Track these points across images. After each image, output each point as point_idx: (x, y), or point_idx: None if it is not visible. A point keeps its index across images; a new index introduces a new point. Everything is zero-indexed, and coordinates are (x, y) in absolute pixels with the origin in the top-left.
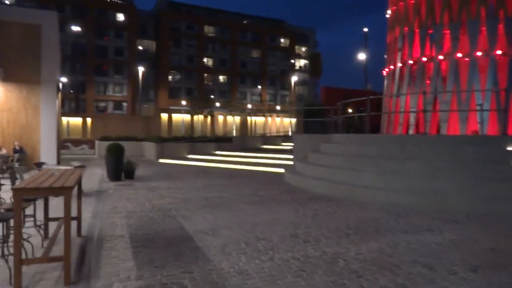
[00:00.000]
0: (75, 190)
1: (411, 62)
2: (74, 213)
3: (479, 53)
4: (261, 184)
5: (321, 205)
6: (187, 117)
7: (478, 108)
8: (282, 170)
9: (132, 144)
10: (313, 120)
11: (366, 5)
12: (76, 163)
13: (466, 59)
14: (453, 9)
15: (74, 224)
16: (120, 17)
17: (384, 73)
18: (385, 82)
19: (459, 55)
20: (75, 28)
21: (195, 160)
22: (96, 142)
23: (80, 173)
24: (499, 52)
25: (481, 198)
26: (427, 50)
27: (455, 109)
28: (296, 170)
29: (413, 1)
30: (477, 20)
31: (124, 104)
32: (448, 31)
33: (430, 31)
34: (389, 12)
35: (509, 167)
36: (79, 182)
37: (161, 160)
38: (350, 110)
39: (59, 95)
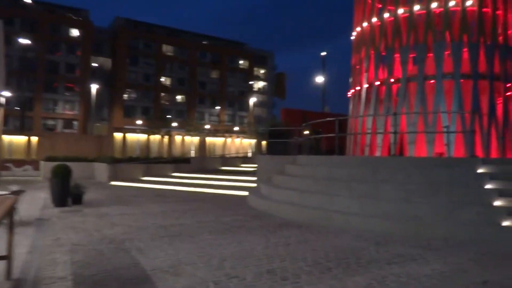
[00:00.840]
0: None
1: (377, 83)
2: (3, 250)
3: (444, 76)
4: (224, 209)
5: (292, 232)
6: (143, 137)
7: (445, 130)
8: (245, 193)
9: (81, 165)
10: (277, 141)
11: (325, 30)
12: (15, 187)
13: (432, 81)
14: (418, 31)
15: (2, 264)
16: (75, 32)
17: (349, 94)
18: (350, 104)
19: (425, 77)
20: (23, 41)
21: (151, 183)
22: (41, 162)
23: (12, 202)
24: (463, 75)
25: (458, 223)
26: (394, 71)
27: (422, 131)
28: (261, 193)
29: (379, 23)
30: (443, 43)
31: (75, 122)
32: (414, 53)
33: (396, 53)
34: (354, 34)
35: (482, 190)
36: (10, 212)
37: (113, 183)
38: (306, 132)
39: (1, 111)
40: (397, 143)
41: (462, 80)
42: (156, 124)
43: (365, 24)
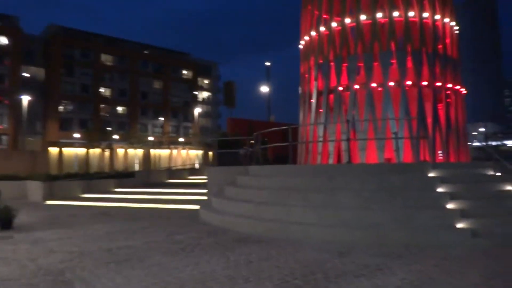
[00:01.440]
0: None
1: (327, 91)
2: None
3: (391, 83)
4: (176, 226)
5: (252, 248)
6: (81, 151)
7: (394, 136)
8: (196, 207)
9: (12, 184)
10: (227, 152)
11: (269, 41)
12: None
13: (380, 89)
14: (365, 40)
15: None
16: (2, 40)
17: (299, 103)
18: (300, 112)
19: (374, 85)
20: None
21: (93, 200)
22: None
23: None
24: (409, 82)
25: (416, 228)
26: (343, 79)
27: (373, 137)
28: (213, 207)
29: (327, 32)
30: (389, 51)
31: (4, 137)
32: (362, 62)
33: (345, 61)
34: (302, 42)
35: (436, 193)
36: None
37: (49, 202)
38: (252, 142)
39: None
40: (350, 151)
41: (407, 88)
42: (95, 137)
43: (313, 33)
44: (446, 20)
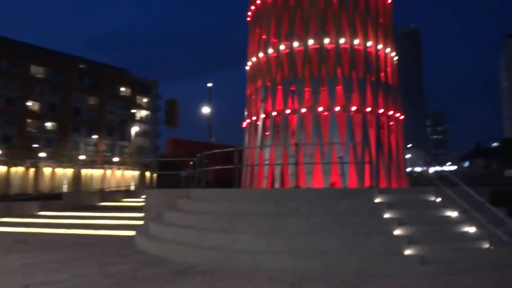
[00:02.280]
0: None
1: (274, 114)
2: None
3: (337, 108)
4: (109, 255)
5: (195, 280)
6: (1, 169)
7: (339, 160)
8: (131, 233)
9: None
10: (168, 174)
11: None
12: None
13: (326, 113)
14: (313, 65)
15: None
16: None
17: (244, 124)
18: (246, 134)
19: (320, 109)
20: None
21: (11, 225)
22: None
23: None
24: (354, 108)
25: (366, 255)
26: (290, 103)
27: (319, 162)
28: (151, 233)
29: (275, 54)
30: (334, 77)
31: None
32: (309, 86)
33: (292, 84)
34: (249, 64)
35: (382, 219)
36: None
37: None
38: (191, 163)
39: None
40: (297, 174)
41: (352, 113)
42: (19, 154)
43: (261, 54)
44: (388, 50)
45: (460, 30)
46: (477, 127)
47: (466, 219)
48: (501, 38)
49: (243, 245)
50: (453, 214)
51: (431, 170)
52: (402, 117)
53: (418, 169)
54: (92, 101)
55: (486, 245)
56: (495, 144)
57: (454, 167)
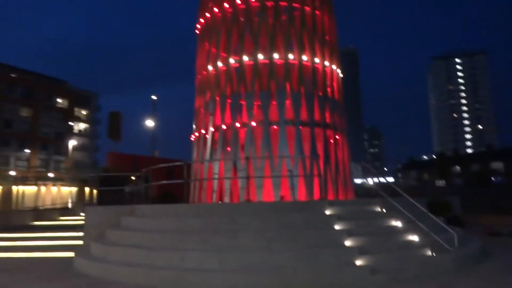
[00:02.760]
0: None
1: (224, 127)
2: None
3: (287, 122)
4: (44, 280)
5: None
6: None
7: (289, 174)
8: (70, 254)
9: None
10: (110, 190)
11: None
12: None
13: (276, 127)
14: (262, 79)
15: None
16: None
17: (193, 138)
18: (194, 148)
19: (270, 122)
20: None
21: None
22: None
23: None
24: (302, 122)
25: (319, 268)
26: (240, 116)
27: (269, 175)
28: (92, 254)
29: (224, 68)
30: (283, 92)
31: None
32: (259, 100)
33: (242, 98)
34: (198, 76)
35: (333, 231)
36: None
37: None
38: (133, 178)
39: None
40: (248, 188)
41: (301, 127)
42: None
43: (210, 68)
44: (334, 66)
45: (395, 50)
46: (409, 141)
47: (410, 228)
48: (429, 60)
49: (194, 263)
50: (398, 224)
51: (371, 181)
52: (347, 131)
53: (358, 180)
54: (25, 112)
55: (429, 253)
56: (425, 157)
57: (390, 179)
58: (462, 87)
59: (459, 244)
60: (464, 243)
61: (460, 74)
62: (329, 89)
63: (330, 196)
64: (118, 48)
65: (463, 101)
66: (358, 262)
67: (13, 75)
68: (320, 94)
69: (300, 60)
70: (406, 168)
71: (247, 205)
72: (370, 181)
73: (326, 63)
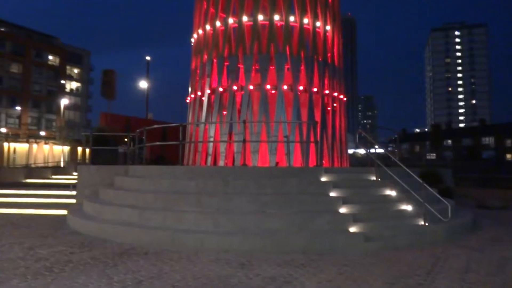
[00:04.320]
0: None
1: (220, 90)
2: None
3: (285, 87)
4: (37, 237)
5: (138, 263)
6: None
7: (285, 139)
8: (62, 212)
9: None
10: (104, 149)
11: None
12: None
13: (274, 91)
14: (262, 42)
15: None
16: None
17: (188, 100)
18: (189, 110)
19: (268, 86)
20: None
21: None
22: None
23: None
24: (301, 87)
25: (314, 234)
26: (237, 79)
27: (265, 140)
28: (85, 212)
29: (223, 28)
30: (284, 55)
31: None
32: (258, 63)
33: (240, 61)
34: (194, 36)
35: (328, 198)
36: None
37: None
38: (126, 140)
39: None
40: (243, 152)
41: (299, 93)
42: None
43: (207, 27)
44: (335, 32)
45: (394, 19)
46: (403, 114)
47: (404, 197)
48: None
49: (188, 225)
50: (393, 193)
51: (362, 151)
52: (345, 99)
53: (350, 150)
54: (14, 68)
55: (422, 222)
56: (417, 130)
57: (381, 150)
58: (459, 61)
59: (451, 215)
60: (456, 214)
61: (458, 47)
62: (329, 55)
63: (326, 164)
64: (111, 5)
65: (459, 74)
66: (352, 229)
67: (2, 29)
68: (320, 59)
69: (301, 23)
70: (399, 140)
71: (242, 169)
72: (361, 150)
73: (328, 27)
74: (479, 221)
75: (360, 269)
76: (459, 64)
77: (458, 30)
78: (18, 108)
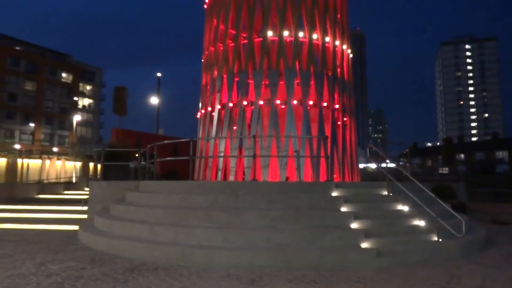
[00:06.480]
0: None
1: (230, 105)
2: None
3: (295, 102)
4: (49, 252)
5: (148, 279)
6: None
7: (295, 154)
8: (74, 227)
9: None
10: (115, 165)
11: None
12: None
13: (283, 106)
14: (271, 57)
15: None
16: None
17: (199, 115)
18: (200, 125)
19: (278, 101)
20: None
21: None
22: None
23: None
24: (310, 102)
25: (324, 250)
26: (247, 95)
27: (276, 155)
28: (96, 228)
29: (232, 44)
30: (293, 70)
31: None
32: (267, 78)
33: (250, 77)
34: (205, 52)
35: (339, 213)
36: None
37: None
38: (137, 155)
39: None
40: (253, 167)
41: (309, 107)
42: None
43: (218, 44)
44: (344, 46)
45: (403, 33)
46: (414, 128)
47: (417, 212)
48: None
49: (198, 240)
50: (405, 208)
51: (373, 165)
52: (355, 113)
53: (361, 165)
54: (29, 86)
55: (435, 238)
56: (429, 144)
57: (393, 164)
58: (470, 74)
59: (465, 230)
60: (470, 230)
61: (468, 60)
62: (338, 69)
63: (337, 179)
64: (123, 23)
65: (470, 88)
66: (364, 245)
67: (17, 48)
68: (330, 74)
69: (311, 39)
70: (411, 154)
71: (252, 184)
72: (373, 165)
73: (337, 42)
74: (493, 237)
75: (372, 285)
76: (470, 78)
77: (468, 44)
78: (31, 124)
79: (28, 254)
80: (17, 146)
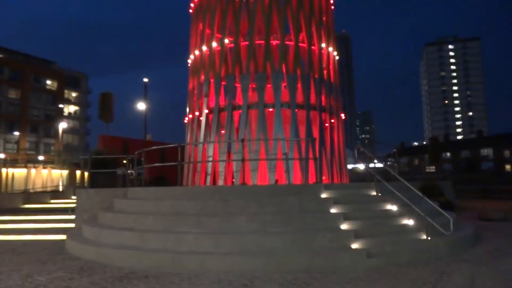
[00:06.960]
0: None
1: (218, 109)
2: None
3: (282, 105)
4: (36, 263)
5: (138, 287)
6: None
7: (284, 157)
8: (61, 237)
9: None
10: (102, 172)
11: (148, 58)
12: None
13: (271, 109)
14: (258, 61)
15: None
16: None
17: (186, 120)
18: (188, 130)
19: (265, 105)
20: None
21: None
22: None
23: None
24: (298, 105)
25: (315, 252)
26: (235, 98)
27: (264, 158)
28: (84, 237)
29: (219, 48)
30: (280, 73)
31: None
32: (254, 82)
33: (237, 80)
34: (191, 57)
35: (329, 215)
36: None
37: None
38: (124, 162)
39: None
40: (242, 171)
41: (297, 110)
42: None
43: (204, 48)
44: (330, 49)
45: (388, 35)
46: (400, 128)
47: (406, 212)
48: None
49: (189, 246)
50: (394, 207)
51: (362, 166)
52: (342, 115)
53: (349, 166)
54: (13, 94)
55: (424, 237)
56: (415, 143)
57: (381, 165)
58: (454, 74)
59: (453, 228)
60: (458, 227)
61: (452, 60)
62: (325, 72)
63: (325, 180)
64: (107, 28)
65: (455, 87)
66: (354, 246)
67: (0, 55)
68: (316, 76)
69: (297, 42)
70: (398, 154)
71: (242, 188)
72: (361, 166)
73: (323, 45)
74: (481, 234)
75: (364, 286)
76: (454, 77)
77: (451, 44)
78: (16, 133)
79: (14, 265)
80: (1, 156)
